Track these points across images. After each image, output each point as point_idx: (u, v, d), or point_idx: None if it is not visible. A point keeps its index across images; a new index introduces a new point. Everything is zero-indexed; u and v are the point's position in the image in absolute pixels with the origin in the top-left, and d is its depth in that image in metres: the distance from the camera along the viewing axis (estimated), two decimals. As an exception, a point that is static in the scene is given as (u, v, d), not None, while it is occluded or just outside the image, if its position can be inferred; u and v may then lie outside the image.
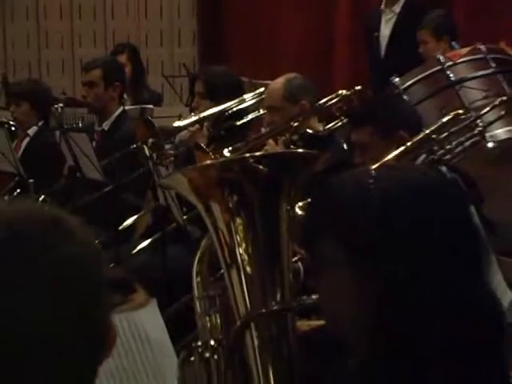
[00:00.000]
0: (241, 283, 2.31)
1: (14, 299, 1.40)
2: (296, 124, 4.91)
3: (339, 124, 5.01)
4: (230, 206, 2.31)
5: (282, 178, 2.32)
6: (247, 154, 2.87)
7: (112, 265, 4.91)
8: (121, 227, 5.17)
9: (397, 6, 6.82)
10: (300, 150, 3.75)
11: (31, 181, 5.96)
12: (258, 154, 2.70)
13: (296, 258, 2.60)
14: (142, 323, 2.71)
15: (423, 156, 4.23)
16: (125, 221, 5.19)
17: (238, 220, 2.31)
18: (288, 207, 2.31)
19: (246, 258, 2.30)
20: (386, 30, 6.86)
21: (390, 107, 4.62)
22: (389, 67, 6.18)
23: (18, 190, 6.04)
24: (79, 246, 1.49)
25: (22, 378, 1.42)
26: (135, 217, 5.14)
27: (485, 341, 1.96)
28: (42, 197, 5.75)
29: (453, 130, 4.51)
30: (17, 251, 1.44)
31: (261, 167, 2.32)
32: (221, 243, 2.34)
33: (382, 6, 6.92)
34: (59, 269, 1.44)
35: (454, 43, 6.07)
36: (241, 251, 2.30)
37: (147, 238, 5.05)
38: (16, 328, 1.40)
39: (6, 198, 5.86)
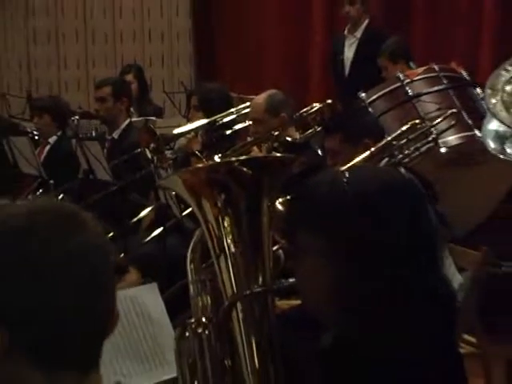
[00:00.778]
0: (228, 269, 2.29)
1: (30, 283, 1.40)
2: (276, 133, 4.92)
3: (313, 132, 5.02)
4: (219, 202, 2.29)
5: (263, 179, 2.31)
6: (233, 158, 2.88)
7: (122, 253, 4.96)
8: (131, 222, 5.19)
9: (358, 32, 6.87)
10: (278, 155, 3.75)
11: (51, 182, 5.97)
12: (242, 158, 2.68)
13: (277, 247, 2.59)
14: (145, 303, 2.71)
15: (385, 160, 4.24)
16: (130, 215, 5.19)
17: (225, 215, 2.29)
18: (268, 204, 2.31)
19: (232, 247, 2.29)
20: (349, 53, 6.89)
21: (357, 118, 4.66)
22: (352, 85, 6.21)
23: (41, 190, 6.02)
24: (90, 236, 1.48)
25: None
26: (144, 213, 5.13)
27: (441, 316, 1.98)
28: (61, 195, 5.76)
29: (411, 137, 4.52)
30: (34, 240, 1.43)
31: (245, 169, 2.31)
32: (210, 235, 2.32)
33: (346, 32, 6.97)
34: (72, 256, 1.44)
35: (411, 63, 6.10)
36: (228, 241, 2.29)
37: (151, 231, 5.02)
38: (38, 307, 1.40)
39: (29, 197, 5.85)
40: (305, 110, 5.25)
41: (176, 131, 5.34)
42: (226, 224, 2.30)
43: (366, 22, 6.90)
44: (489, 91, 2.14)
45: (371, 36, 6.81)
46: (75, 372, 1.45)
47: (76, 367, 1.45)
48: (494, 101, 2.14)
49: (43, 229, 1.44)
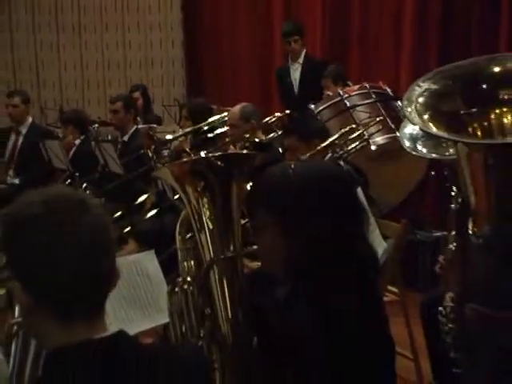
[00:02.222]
0: (206, 239, 2.29)
1: (53, 257, 1.40)
2: (248, 135, 4.90)
3: (276, 135, 4.99)
4: (198, 188, 2.29)
5: (233, 170, 2.30)
6: (210, 155, 2.86)
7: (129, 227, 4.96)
8: (136, 203, 5.17)
9: (300, 59, 6.87)
10: (244, 152, 3.73)
11: (77, 174, 5.93)
12: (216, 154, 2.65)
13: (245, 221, 2.58)
14: (145, 265, 2.69)
15: (330, 154, 4.24)
16: (136, 199, 5.15)
17: (204, 198, 2.29)
18: (237, 188, 2.29)
19: (209, 222, 2.29)
20: (295, 76, 6.89)
21: (308, 123, 4.66)
22: (301, 100, 6.23)
23: (68, 181, 5.96)
24: (97, 217, 1.46)
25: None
26: (144, 197, 5.09)
27: (367, 275, 1.98)
28: (84, 185, 5.72)
29: (349, 138, 4.51)
30: (51, 223, 1.41)
31: (218, 163, 2.31)
32: (193, 213, 2.32)
33: (290, 61, 6.96)
34: (81, 233, 1.42)
35: (349, 82, 6.07)
36: (206, 218, 2.29)
37: (152, 210, 5.02)
38: (57, 276, 1.41)
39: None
40: (269, 118, 5.20)
41: (167, 137, 5.32)
42: (204, 204, 2.29)
43: (304, 51, 6.92)
44: (405, 102, 2.09)
45: (309, 61, 6.85)
46: (84, 319, 1.44)
47: (84, 315, 1.44)
48: (409, 110, 2.09)
49: (58, 214, 1.42)
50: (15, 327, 2.14)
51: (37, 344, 2.02)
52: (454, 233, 2.66)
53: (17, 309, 2.19)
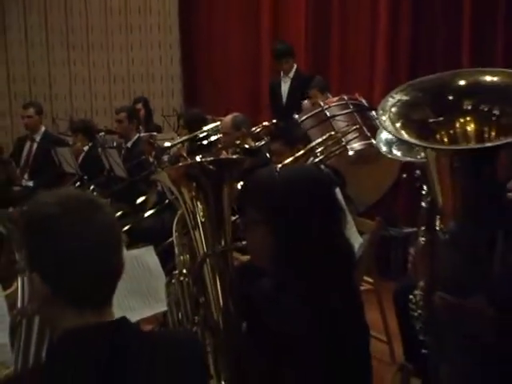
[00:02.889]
0: (200, 235, 2.28)
1: (68, 252, 1.40)
2: (238, 142, 4.87)
3: (263, 142, 4.96)
4: (193, 189, 2.29)
5: (223, 173, 2.30)
6: (203, 159, 2.84)
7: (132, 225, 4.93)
8: (138, 203, 5.14)
9: (290, 74, 6.85)
10: (234, 157, 3.71)
11: (85, 177, 5.90)
12: (208, 159, 2.65)
13: (237, 217, 2.58)
14: (146, 259, 2.67)
15: (311, 159, 4.22)
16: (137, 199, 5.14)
17: (198, 198, 2.29)
18: (227, 190, 2.28)
19: (203, 220, 2.28)
20: (285, 88, 6.85)
21: (292, 131, 4.67)
22: (288, 110, 6.19)
23: (78, 183, 5.92)
24: (106, 215, 1.46)
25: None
26: (144, 197, 5.05)
27: (342, 272, 1.95)
28: (92, 187, 5.68)
29: (328, 144, 4.50)
30: (66, 221, 1.41)
31: (210, 167, 2.31)
32: (188, 212, 2.31)
33: (282, 74, 6.92)
34: (93, 229, 1.42)
35: (329, 94, 6.06)
36: (199, 216, 2.28)
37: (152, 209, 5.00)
38: (71, 269, 1.40)
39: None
40: (258, 126, 5.19)
41: (166, 144, 5.30)
42: (198, 204, 2.29)
43: (295, 67, 6.88)
44: (380, 112, 2.08)
45: (298, 76, 6.82)
46: (94, 307, 1.43)
47: (96, 304, 1.44)
48: (384, 118, 2.08)
49: (71, 213, 1.41)
50: (19, 317, 2.13)
51: (40, 331, 2.03)
52: (423, 228, 2.65)
53: (18, 297, 2.19)
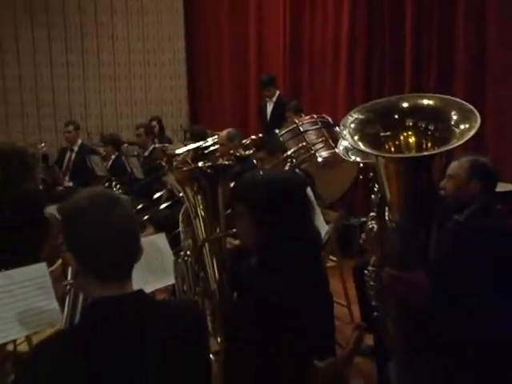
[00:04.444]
0: (200, 224, 2.27)
1: (95, 237, 1.38)
2: (232, 151, 4.84)
3: (251, 152, 4.91)
4: (195, 188, 2.26)
5: (218, 175, 2.27)
6: (202, 165, 2.80)
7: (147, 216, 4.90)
8: (154, 198, 5.12)
9: (274, 98, 6.81)
10: (226, 163, 3.66)
11: (112, 179, 5.87)
12: (206, 165, 2.62)
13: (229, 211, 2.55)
14: (158, 243, 2.63)
15: (288, 164, 4.19)
16: (153, 195, 5.11)
17: (198, 195, 2.26)
18: (221, 188, 2.25)
19: (202, 212, 2.25)
20: (269, 109, 6.81)
21: (274, 142, 4.66)
22: (271, 126, 6.16)
23: (107, 184, 5.88)
24: (123, 208, 1.43)
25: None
26: (159, 194, 5.03)
27: (312, 252, 1.92)
28: (118, 186, 5.64)
29: (302, 152, 4.48)
30: (93, 212, 1.38)
31: (208, 170, 2.29)
32: (190, 205, 2.30)
33: (267, 99, 6.87)
34: (114, 218, 1.39)
35: (302, 114, 6.03)
36: (199, 209, 2.26)
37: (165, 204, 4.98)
38: (98, 251, 1.38)
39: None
40: (247, 139, 5.21)
41: (176, 151, 5.26)
42: (198, 200, 2.26)
43: (277, 93, 6.84)
44: (342, 127, 2.06)
45: (279, 100, 6.77)
46: (117, 282, 1.41)
47: (118, 279, 1.41)
48: (345, 132, 2.06)
49: (98, 206, 1.39)
50: (68, 287, 2.11)
51: (83, 299, 2.00)
52: (372, 214, 2.65)
53: (69, 273, 2.15)
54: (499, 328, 1.94)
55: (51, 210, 3.41)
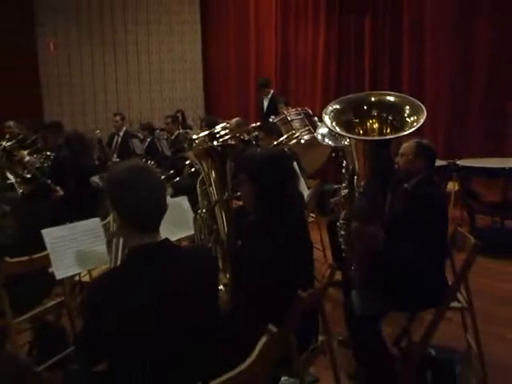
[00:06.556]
0: (212, 189, 2.19)
1: (133, 199, 1.30)
2: (238, 135, 4.65)
3: (253, 135, 4.75)
4: (209, 162, 2.17)
5: (226, 152, 2.18)
6: (215, 143, 2.69)
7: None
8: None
9: (269, 96, 6.52)
10: (233, 143, 3.52)
11: (148, 157, 5.73)
12: (218, 144, 2.51)
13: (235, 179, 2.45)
14: (181, 203, 2.51)
15: (281, 146, 4.07)
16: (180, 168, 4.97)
17: (211, 167, 2.17)
18: (229, 162, 2.15)
19: (215, 180, 2.16)
20: (266, 103, 6.57)
21: (269, 126, 4.49)
22: (267, 116, 5.95)
23: (144, 160, 5.72)
24: (156, 176, 1.36)
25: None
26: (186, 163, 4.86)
27: (298, 208, 1.83)
28: (152, 162, 5.48)
29: (290, 137, 4.35)
30: (131, 179, 1.30)
31: (219, 148, 2.20)
32: (205, 175, 2.22)
33: (264, 97, 6.60)
34: (148, 186, 1.31)
35: (290, 107, 5.86)
36: (212, 178, 2.18)
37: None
38: (135, 209, 1.32)
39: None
40: (250, 126, 4.99)
41: (194, 136, 4.98)
42: (211, 171, 2.18)
43: (271, 92, 6.57)
44: (323, 115, 1.97)
45: (273, 97, 6.51)
46: (150, 232, 1.34)
47: (150, 230, 1.34)
48: (326, 119, 1.98)
49: (135, 175, 1.31)
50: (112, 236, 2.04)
51: (123, 246, 1.93)
52: (343, 185, 2.58)
53: (114, 226, 2.08)
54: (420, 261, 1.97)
55: (95, 179, 3.45)
